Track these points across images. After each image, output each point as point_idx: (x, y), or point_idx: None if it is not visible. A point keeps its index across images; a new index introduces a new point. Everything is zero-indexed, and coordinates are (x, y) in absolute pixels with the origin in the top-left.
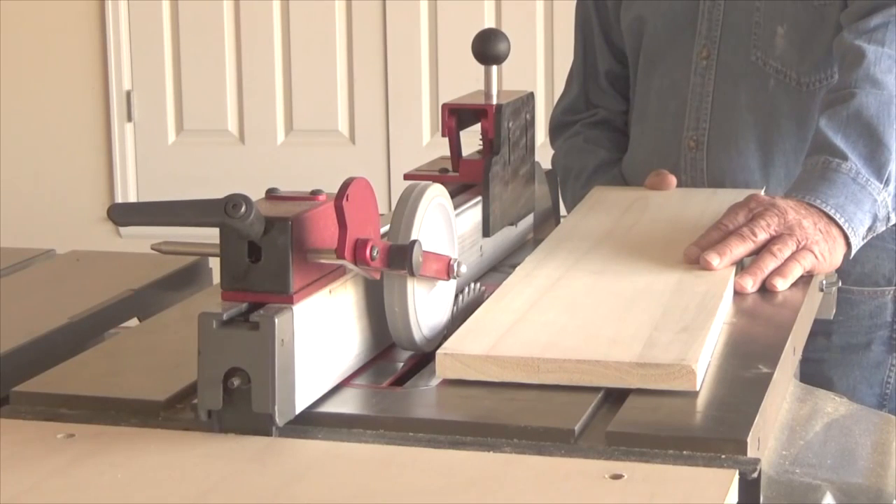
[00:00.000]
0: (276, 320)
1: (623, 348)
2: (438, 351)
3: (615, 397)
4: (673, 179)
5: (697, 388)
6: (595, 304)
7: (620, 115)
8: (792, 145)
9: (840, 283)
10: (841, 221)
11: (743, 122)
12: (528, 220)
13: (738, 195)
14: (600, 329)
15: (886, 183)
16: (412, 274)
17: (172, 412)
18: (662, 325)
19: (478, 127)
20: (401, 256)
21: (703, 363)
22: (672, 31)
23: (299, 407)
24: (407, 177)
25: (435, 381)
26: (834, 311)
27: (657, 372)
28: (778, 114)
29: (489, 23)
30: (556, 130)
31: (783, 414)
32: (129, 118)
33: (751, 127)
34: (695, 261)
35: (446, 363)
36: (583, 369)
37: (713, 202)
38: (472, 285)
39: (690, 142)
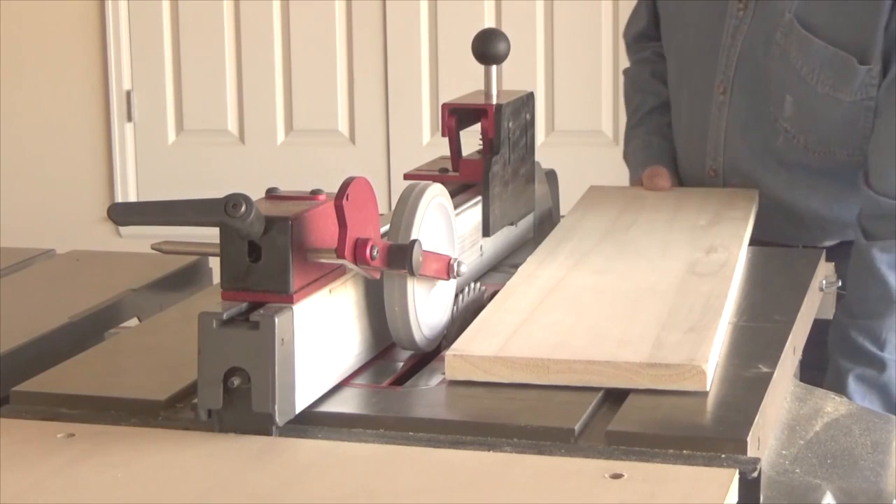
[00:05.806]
0: (276, 320)
1: (632, 349)
2: (447, 352)
3: (615, 397)
4: (668, 181)
5: (707, 389)
6: (601, 304)
7: None
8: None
9: (840, 283)
10: None
11: (754, 165)
12: (528, 220)
13: (733, 195)
14: (608, 329)
15: None
16: (412, 274)
17: (172, 412)
18: (669, 326)
19: (478, 127)
20: (401, 256)
21: (711, 363)
22: (699, 46)
23: (299, 406)
24: (407, 177)
25: (435, 381)
26: (834, 311)
27: (667, 372)
28: (787, 162)
29: (489, 23)
30: (630, 46)
31: (783, 414)
32: (129, 118)
33: (765, 172)
34: None
35: (455, 364)
36: (592, 370)
37: (709, 202)
38: (472, 285)
39: (711, 171)
